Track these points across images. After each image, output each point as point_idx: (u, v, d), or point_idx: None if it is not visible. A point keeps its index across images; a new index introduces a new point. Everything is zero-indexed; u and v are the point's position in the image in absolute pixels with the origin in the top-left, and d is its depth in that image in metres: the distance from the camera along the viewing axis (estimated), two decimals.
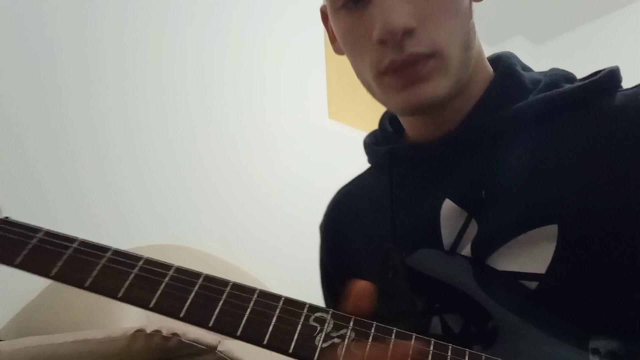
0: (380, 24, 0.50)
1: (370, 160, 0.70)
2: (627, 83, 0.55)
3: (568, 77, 0.58)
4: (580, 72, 0.59)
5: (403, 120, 0.64)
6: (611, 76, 0.54)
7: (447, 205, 0.55)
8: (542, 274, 0.48)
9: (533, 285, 0.48)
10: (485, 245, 0.51)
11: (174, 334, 0.75)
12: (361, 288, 0.42)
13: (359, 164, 0.72)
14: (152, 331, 0.75)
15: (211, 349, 0.77)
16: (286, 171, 2.03)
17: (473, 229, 0.53)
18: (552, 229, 0.48)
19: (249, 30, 2.08)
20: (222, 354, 0.78)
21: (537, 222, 0.49)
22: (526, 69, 0.61)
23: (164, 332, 0.75)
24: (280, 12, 2.21)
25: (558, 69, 0.59)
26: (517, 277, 0.49)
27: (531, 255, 0.49)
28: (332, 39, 0.63)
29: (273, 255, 1.83)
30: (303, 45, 2.26)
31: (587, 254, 0.47)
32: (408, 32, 0.50)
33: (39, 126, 1.42)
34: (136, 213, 1.55)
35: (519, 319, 0.46)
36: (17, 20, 1.43)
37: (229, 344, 0.80)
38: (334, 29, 0.60)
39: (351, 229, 0.66)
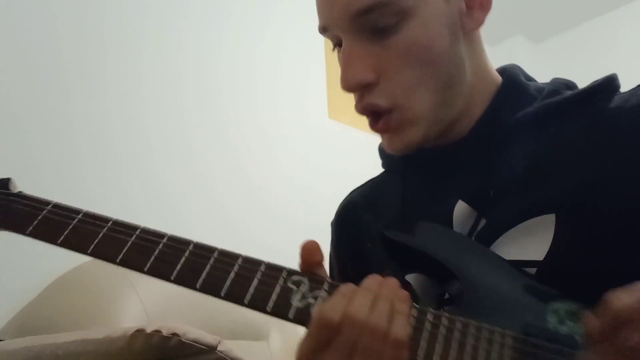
0: (341, 77, 0.54)
1: (384, 165, 0.72)
2: (626, 82, 0.56)
3: (569, 85, 0.60)
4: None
5: None
6: (610, 81, 0.56)
7: (460, 206, 0.56)
8: (540, 260, 0.49)
9: (531, 272, 0.49)
10: (487, 234, 0.53)
11: (174, 334, 0.75)
12: (309, 245, 0.46)
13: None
14: (152, 331, 0.75)
15: (211, 348, 0.77)
16: (286, 171, 2.03)
17: (482, 225, 0.54)
18: (550, 218, 0.49)
19: (248, 30, 2.08)
20: (222, 354, 0.77)
21: (536, 212, 0.50)
22: (529, 79, 0.64)
23: (164, 332, 0.75)
24: (280, 12, 2.21)
25: (560, 78, 0.61)
26: (516, 265, 0.50)
27: (530, 243, 0.50)
28: None
29: (273, 255, 1.82)
30: (303, 45, 2.26)
31: (584, 243, 0.48)
32: (366, 86, 0.53)
33: (39, 126, 1.42)
34: (136, 213, 1.54)
35: (484, 278, 0.47)
36: (17, 20, 1.44)
37: (228, 344, 0.80)
38: None
39: (362, 228, 0.68)
